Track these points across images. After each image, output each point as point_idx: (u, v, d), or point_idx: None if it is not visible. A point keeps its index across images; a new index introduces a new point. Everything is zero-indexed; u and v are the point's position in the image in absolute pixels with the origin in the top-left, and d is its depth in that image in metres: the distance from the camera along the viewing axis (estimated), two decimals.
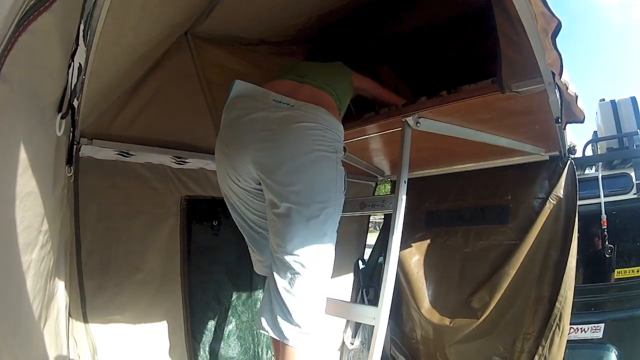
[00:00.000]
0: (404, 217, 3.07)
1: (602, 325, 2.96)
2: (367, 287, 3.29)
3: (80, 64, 1.23)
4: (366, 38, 2.45)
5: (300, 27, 2.38)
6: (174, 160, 2.31)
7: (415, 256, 2.92)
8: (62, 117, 0.87)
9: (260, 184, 1.66)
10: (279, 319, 1.54)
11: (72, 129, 1.37)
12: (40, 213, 0.86)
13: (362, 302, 3.15)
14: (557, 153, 2.41)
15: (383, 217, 3.44)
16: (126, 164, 2.16)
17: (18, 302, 0.83)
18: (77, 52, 1.11)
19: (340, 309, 1.90)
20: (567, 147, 2.32)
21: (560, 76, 1.30)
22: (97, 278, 1.99)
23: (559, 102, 1.51)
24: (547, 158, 2.45)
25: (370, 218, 4.07)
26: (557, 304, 2.26)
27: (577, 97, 1.46)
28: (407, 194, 3.10)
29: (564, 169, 2.39)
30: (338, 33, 2.49)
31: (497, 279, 2.45)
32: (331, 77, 1.88)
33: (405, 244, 2.94)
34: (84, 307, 1.95)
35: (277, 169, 1.57)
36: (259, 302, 2.71)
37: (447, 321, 2.63)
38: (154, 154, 2.23)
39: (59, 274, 1.23)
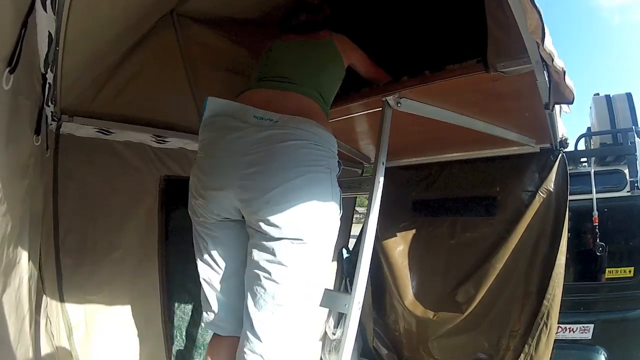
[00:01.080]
0: (389, 205, 3.08)
1: (592, 326, 2.96)
2: (350, 277, 3.24)
3: (50, 32, 1.20)
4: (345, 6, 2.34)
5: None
6: (154, 139, 2.28)
7: (400, 246, 2.89)
8: (10, 72, 0.83)
9: (242, 217, 1.48)
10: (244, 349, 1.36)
11: (42, 99, 1.33)
12: None
13: (347, 290, 3.10)
14: (548, 145, 2.36)
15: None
16: (106, 142, 2.12)
17: None
18: (39, 17, 1.08)
19: None
20: (558, 140, 2.26)
21: (543, 42, 1.23)
22: (73, 256, 1.96)
23: (547, 83, 1.44)
24: (538, 150, 2.40)
25: (356, 208, 4.04)
26: (544, 301, 2.22)
27: (564, 72, 1.38)
28: (393, 182, 3.12)
29: (555, 162, 2.34)
30: None
31: (483, 273, 2.41)
32: (319, 74, 1.72)
33: (389, 232, 2.93)
34: (60, 285, 1.92)
35: (263, 197, 1.35)
36: None
37: (430, 314, 2.60)
38: (134, 132, 2.20)
39: (21, 243, 1.19)
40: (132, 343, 2.18)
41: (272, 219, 1.34)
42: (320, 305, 1.74)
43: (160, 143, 2.32)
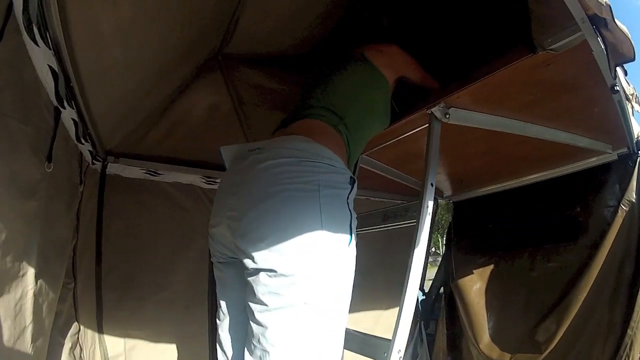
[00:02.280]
0: (464, 241, 2.83)
1: None
2: (426, 320, 3.02)
3: (50, 66, 1.31)
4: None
5: (317, 34, 2.31)
6: (204, 180, 2.32)
7: (477, 284, 2.61)
8: None
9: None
10: None
11: (55, 130, 1.45)
12: None
13: (420, 335, 2.90)
14: (625, 150, 2.02)
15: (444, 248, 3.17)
16: (154, 183, 2.21)
17: None
18: (31, 49, 1.17)
19: (349, 341, 1.62)
20: (635, 140, 1.94)
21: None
22: (117, 292, 2.04)
23: (603, 46, 1.20)
24: (616, 157, 2.07)
25: (432, 250, 3.81)
26: (628, 330, 1.85)
27: (612, 12, 1.16)
28: (467, 216, 2.90)
29: (634, 167, 2.00)
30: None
31: (565, 306, 2.08)
32: (344, 94, 1.57)
33: (465, 270, 2.68)
34: (100, 317, 2.00)
35: (240, 225, 1.22)
36: None
37: (507, 357, 2.28)
38: (183, 174, 2.26)
39: (27, 259, 1.27)
40: None
41: (245, 248, 1.18)
42: (353, 351, 1.57)
43: (211, 184, 2.36)
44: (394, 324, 1.38)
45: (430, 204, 1.47)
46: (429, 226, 1.45)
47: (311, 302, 1.14)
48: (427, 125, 1.61)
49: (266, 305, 1.13)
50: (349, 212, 1.26)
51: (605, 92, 1.44)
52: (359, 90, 1.60)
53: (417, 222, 1.45)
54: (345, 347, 1.63)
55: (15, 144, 1.18)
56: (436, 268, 3.21)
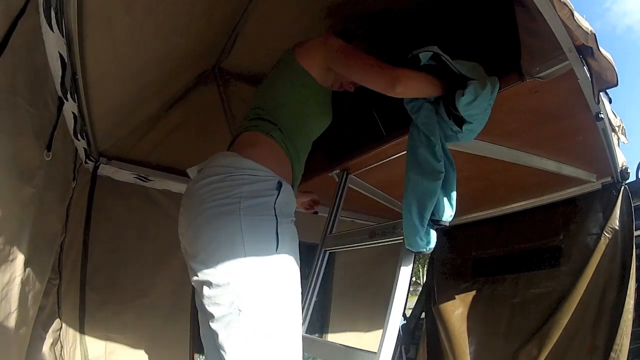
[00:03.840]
0: (448, 267, 2.87)
1: None
2: (407, 344, 3.03)
3: (60, 53, 1.33)
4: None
5: None
6: None
7: (459, 309, 2.64)
8: None
9: None
10: None
11: (56, 119, 1.44)
12: None
13: (400, 359, 2.91)
14: (609, 179, 2.09)
15: (425, 277, 3.20)
16: (144, 188, 2.21)
17: None
18: (46, 34, 1.19)
19: (335, 354, 1.68)
20: (619, 169, 1.99)
21: (573, 15, 1.13)
22: (100, 293, 2.02)
23: (588, 74, 1.27)
24: (600, 187, 2.14)
25: (412, 280, 3.88)
26: (612, 353, 1.87)
27: (597, 41, 1.23)
28: (451, 243, 2.93)
29: (617, 196, 2.06)
30: None
31: (547, 330, 2.11)
32: (273, 99, 1.56)
33: (447, 295, 2.71)
34: (82, 317, 1.98)
35: (184, 239, 1.34)
36: None
37: None
38: (173, 182, 2.27)
39: (18, 245, 1.23)
40: None
41: (190, 264, 1.27)
42: None
43: None
44: (378, 340, 1.41)
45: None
46: None
47: (245, 310, 1.17)
48: None
49: (213, 315, 1.19)
50: (275, 218, 1.28)
51: (590, 120, 1.50)
52: (286, 91, 1.57)
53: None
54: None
55: (21, 125, 1.18)
56: (416, 297, 3.22)
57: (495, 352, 2.38)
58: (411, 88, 1.46)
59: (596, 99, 1.38)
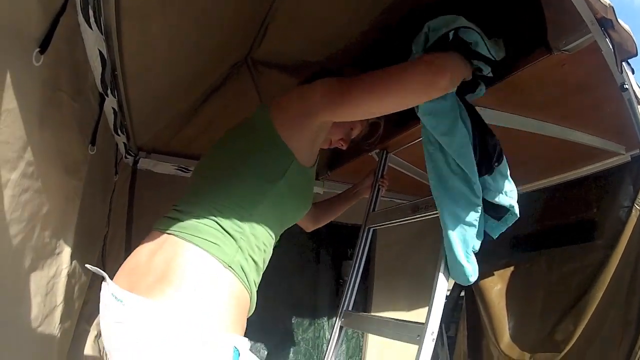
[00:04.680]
0: (488, 244, 2.82)
1: None
2: (447, 323, 3.05)
3: (100, 51, 1.37)
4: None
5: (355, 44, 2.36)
6: None
7: (498, 285, 2.67)
8: (40, 52, 0.95)
9: None
10: None
11: (99, 115, 1.49)
12: (22, 138, 0.91)
13: (441, 337, 2.89)
14: (638, 152, 2.07)
15: None
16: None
17: None
18: (85, 32, 1.22)
19: (382, 327, 1.72)
20: None
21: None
22: None
23: (610, 45, 1.29)
24: (629, 159, 2.11)
25: None
26: None
27: (615, 13, 1.26)
28: None
29: None
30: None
31: (583, 306, 2.12)
32: (224, 180, 1.20)
33: (487, 272, 2.73)
34: None
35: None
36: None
37: (526, 357, 2.32)
38: None
39: (65, 238, 1.29)
40: None
41: None
42: (388, 337, 1.63)
43: None
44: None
45: None
46: None
47: None
48: None
49: None
50: None
51: (615, 91, 1.50)
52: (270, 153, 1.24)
53: None
54: (378, 334, 1.72)
55: (66, 119, 1.23)
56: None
57: (533, 328, 2.40)
58: (456, 75, 1.23)
59: (619, 69, 1.41)
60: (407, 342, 1.51)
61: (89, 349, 1.78)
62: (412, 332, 1.47)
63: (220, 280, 1.03)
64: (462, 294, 3.04)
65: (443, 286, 1.47)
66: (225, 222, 1.10)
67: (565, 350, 2.11)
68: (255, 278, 1.15)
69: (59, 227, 1.26)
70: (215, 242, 1.06)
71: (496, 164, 1.44)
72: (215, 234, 1.07)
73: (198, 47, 1.83)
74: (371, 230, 2.01)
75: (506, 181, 1.51)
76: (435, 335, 1.40)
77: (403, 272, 3.03)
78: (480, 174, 1.41)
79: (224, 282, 1.04)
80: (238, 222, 1.11)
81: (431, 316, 1.41)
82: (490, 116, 1.68)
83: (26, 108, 0.90)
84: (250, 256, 1.12)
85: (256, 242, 1.15)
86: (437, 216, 1.61)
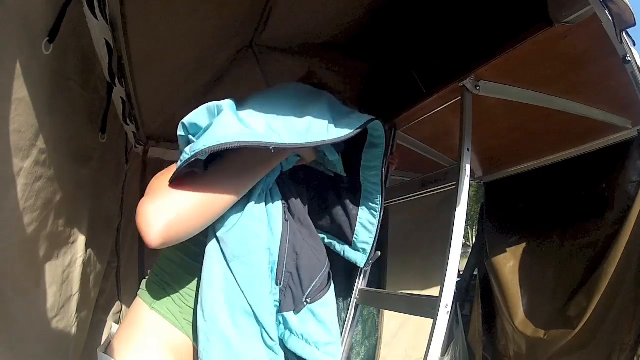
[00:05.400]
0: (497, 221, 2.94)
1: None
2: (461, 302, 3.08)
3: (106, 40, 1.38)
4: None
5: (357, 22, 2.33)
6: None
7: (510, 262, 2.67)
8: (49, 41, 0.97)
9: None
10: None
11: (108, 103, 1.51)
12: (34, 126, 0.91)
13: (456, 316, 2.93)
14: None
15: (475, 237, 3.17)
16: None
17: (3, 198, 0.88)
18: (90, 22, 1.23)
19: (397, 303, 1.76)
20: None
21: None
22: None
23: (610, 17, 1.32)
24: (636, 134, 2.11)
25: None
26: None
27: None
28: (498, 196, 2.99)
29: None
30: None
31: (595, 280, 2.11)
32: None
33: (498, 249, 2.75)
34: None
35: None
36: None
37: (541, 333, 2.31)
38: None
39: (79, 227, 1.28)
40: None
41: None
42: (403, 312, 1.68)
43: None
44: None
45: (468, 167, 1.60)
46: (468, 188, 1.56)
47: None
48: (457, 99, 1.74)
49: None
50: None
51: (618, 65, 1.51)
52: None
53: (457, 184, 1.57)
54: (393, 310, 1.77)
55: (76, 107, 1.23)
56: (466, 260, 3.25)
57: (547, 304, 2.40)
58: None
59: (619, 38, 1.43)
60: (422, 316, 1.54)
61: (105, 337, 1.80)
62: (426, 306, 1.51)
63: None
64: (476, 272, 3.05)
65: (455, 259, 1.49)
66: None
67: (579, 327, 2.11)
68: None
69: (72, 215, 1.25)
70: None
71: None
72: None
73: (202, 33, 1.84)
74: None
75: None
76: (449, 309, 1.43)
77: (416, 251, 3.04)
78: None
79: None
80: None
81: (444, 289, 1.43)
82: (498, 90, 1.72)
83: (37, 96, 0.91)
84: None
85: None
86: (447, 190, 1.64)
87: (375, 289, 1.86)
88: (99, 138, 1.46)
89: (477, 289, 2.94)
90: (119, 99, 1.67)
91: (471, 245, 3.69)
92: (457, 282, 3.07)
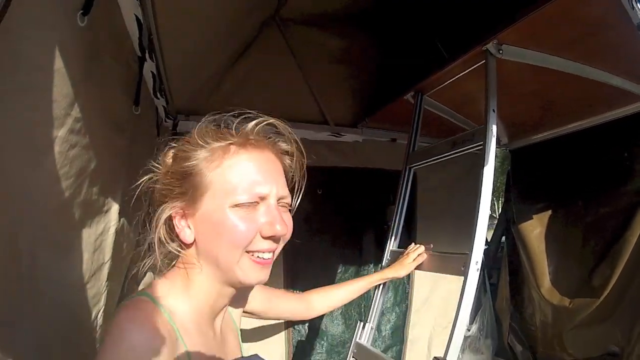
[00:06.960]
0: (523, 187, 2.95)
1: None
2: (489, 270, 3.10)
3: (136, 15, 1.42)
4: None
5: None
6: None
7: (537, 229, 2.69)
8: (83, 14, 1.00)
9: None
10: None
11: (140, 77, 1.55)
12: (68, 95, 0.93)
13: (483, 285, 2.97)
14: None
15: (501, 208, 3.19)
16: None
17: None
18: None
19: (427, 262, 1.80)
20: None
21: None
22: None
23: None
24: None
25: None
26: None
27: None
28: (524, 163, 2.98)
29: None
30: None
31: (619, 249, 2.12)
32: None
33: (526, 216, 2.77)
34: None
35: None
36: None
37: (566, 302, 2.35)
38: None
39: (113, 196, 1.33)
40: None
41: None
42: (434, 271, 1.73)
43: None
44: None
45: (494, 127, 1.60)
46: (495, 149, 1.58)
47: None
48: (481, 62, 1.73)
49: None
50: None
51: (634, 32, 1.52)
52: None
53: (484, 143, 1.59)
54: (425, 269, 1.79)
55: (110, 78, 1.26)
56: (492, 231, 3.24)
57: (572, 272, 2.41)
58: None
59: (631, 4, 1.44)
60: (452, 274, 1.59)
61: None
62: (456, 263, 1.54)
63: None
64: (503, 239, 3.06)
65: (484, 216, 1.50)
66: None
67: (603, 296, 2.11)
68: None
69: (106, 184, 1.27)
70: None
71: None
72: None
73: (228, 4, 1.86)
74: (412, 170, 2.05)
75: None
76: (479, 266, 1.44)
77: (445, 215, 3.02)
78: None
79: None
80: None
81: (474, 246, 1.46)
82: (520, 54, 1.71)
83: (72, 67, 0.94)
84: None
85: None
86: (476, 152, 1.64)
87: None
88: (132, 110, 1.51)
89: (505, 257, 2.95)
90: (149, 74, 1.71)
91: (497, 217, 3.67)
92: (485, 250, 3.10)
